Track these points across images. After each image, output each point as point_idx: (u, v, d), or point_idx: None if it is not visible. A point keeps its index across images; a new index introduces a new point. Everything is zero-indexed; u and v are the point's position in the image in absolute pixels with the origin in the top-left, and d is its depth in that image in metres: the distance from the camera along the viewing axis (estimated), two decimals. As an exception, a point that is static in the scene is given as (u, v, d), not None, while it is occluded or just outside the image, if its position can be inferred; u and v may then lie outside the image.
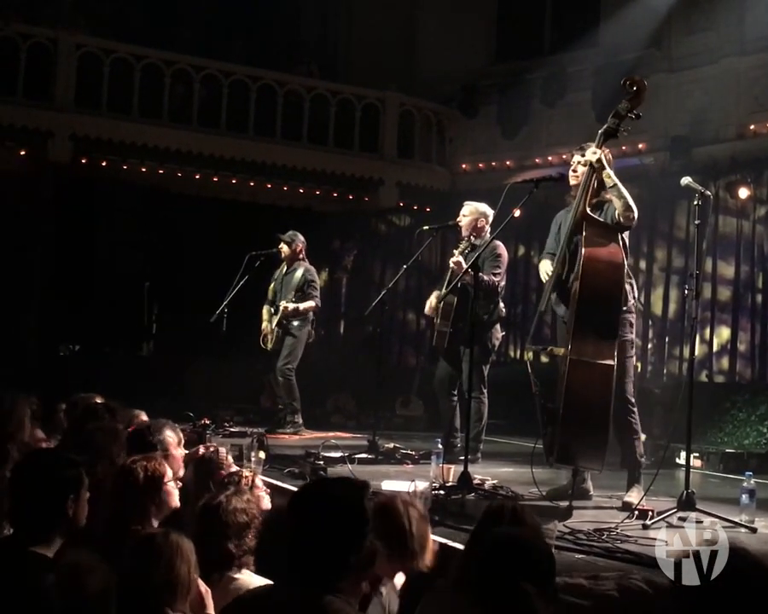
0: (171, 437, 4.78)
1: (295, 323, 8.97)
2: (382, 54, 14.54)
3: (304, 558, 2.48)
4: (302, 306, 8.94)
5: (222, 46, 14.46)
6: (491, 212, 7.25)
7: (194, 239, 13.29)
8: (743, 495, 4.87)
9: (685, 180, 5.33)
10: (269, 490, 4.48)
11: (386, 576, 3.56)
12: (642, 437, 5.78)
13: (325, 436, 8.40)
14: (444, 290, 7.20)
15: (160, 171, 13.36)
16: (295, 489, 3.61)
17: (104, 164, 13.06)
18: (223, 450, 4.90)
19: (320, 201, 14.52)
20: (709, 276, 10.24)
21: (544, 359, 7.77)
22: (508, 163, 13.72)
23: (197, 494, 4.07)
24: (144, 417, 5.67)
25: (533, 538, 2.72)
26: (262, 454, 5.87)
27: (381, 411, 8.95)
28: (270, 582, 3.02)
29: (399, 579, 3.61)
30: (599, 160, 5.44)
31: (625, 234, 5.52)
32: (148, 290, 14.01)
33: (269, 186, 14.04)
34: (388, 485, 5.52)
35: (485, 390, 7.20)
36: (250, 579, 3.45)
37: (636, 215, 5.42)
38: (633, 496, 5.28)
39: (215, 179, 13.73)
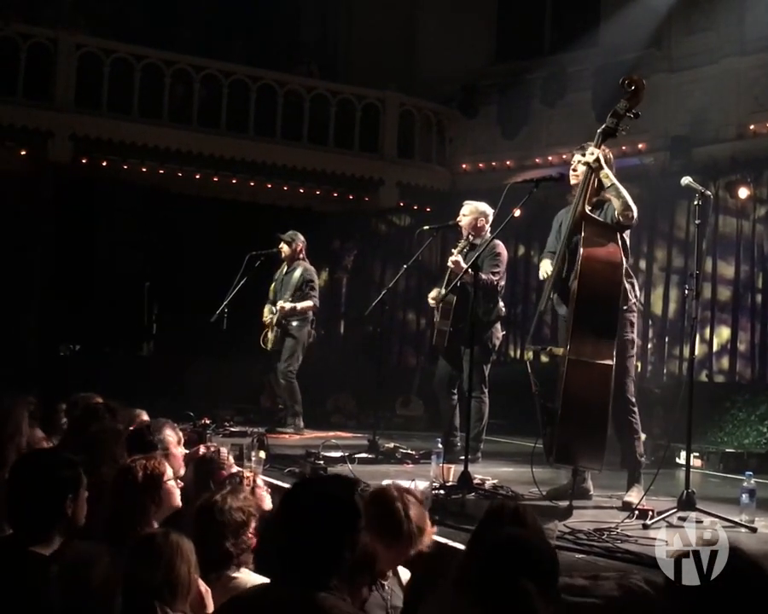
0: (171, 436, 4.78)
1: (294, 323, 8.97)
2: (382, 54, 14.54)
3: (298, 556, 2.49)
4: (300, 306, 8.94)
5: (222, 46, 14.46)
6: (491, 212, 7.25)
7: (195, 239, 13.28)
8: (743, 495, 4.87)
9: (685, 180, 5.32)
10: (269, 490, 4.48)
11: (386, 564, 3.55)
12: (643, 436, 5.78)
13: (325, 435, 8.41)
14: (444, 289, 7.20)
15: (161, 171, 13.37)
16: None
17: (104, 164, 13.07)
18: (224, 450, 4.90)
19: (320, 201, 14.52)
20: (709, 276, 10.24)
21: (544, 359, 7.77)
22: (508, 163, 13.73)
23: (197, 494, 4.07)
24: (145, 417, 5.67)
25: (535, 538, 2.72)
26: (262, 454, 5.87)
27: (381, 411, 8.95)
28: (268, 581, 3.02)
29: (405, 575, 3.61)
30: (597, 160, 5.45)
31: (626, 234, 5.52)
32: (149, 290, 14.00)
33: (269, 186, 14.05)
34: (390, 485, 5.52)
35: (485, 390, 7.20)
36: (248, 578, 3.46)
37: (635, 214, 5.42)
38: (633, 496, 5.28)
39: (215, 179, 13.73)
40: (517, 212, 5.99)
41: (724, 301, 10.43)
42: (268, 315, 9.11)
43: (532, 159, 13.43)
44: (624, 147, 11.16)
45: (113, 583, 2.72)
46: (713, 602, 2.09)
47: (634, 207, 5.41)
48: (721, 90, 11.58)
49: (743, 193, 10.09)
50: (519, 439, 8.63)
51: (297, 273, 9.07)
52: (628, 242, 5.56)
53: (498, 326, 7.27)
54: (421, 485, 4.86)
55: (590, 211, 5.50)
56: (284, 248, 9.15)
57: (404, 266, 7.90)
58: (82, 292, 13.03)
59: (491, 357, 7.30)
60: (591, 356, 5.24)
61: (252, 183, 13.96)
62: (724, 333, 10.43)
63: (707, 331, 10.35)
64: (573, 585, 3.23)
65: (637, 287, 5.65)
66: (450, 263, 7.10)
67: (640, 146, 12.04)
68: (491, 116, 14.00)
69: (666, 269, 10.92)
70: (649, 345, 10.91)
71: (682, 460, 6.83)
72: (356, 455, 6.86)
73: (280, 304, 8.95)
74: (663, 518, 4.71)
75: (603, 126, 5.54)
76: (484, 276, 6.70)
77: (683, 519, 4.64)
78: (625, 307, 5.43)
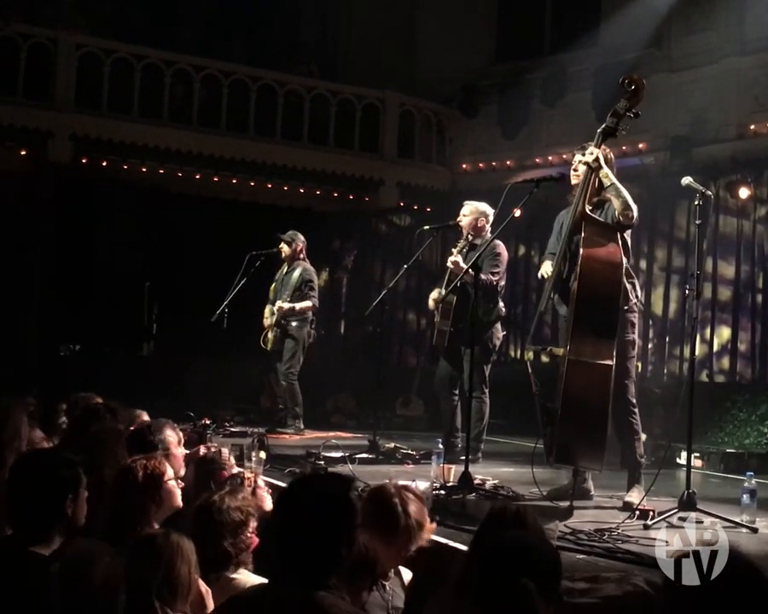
0: (172, 436, 4.77)
1: (294, 324, 8.97)
2: (382, 54, 14.54)
3: (295, 555, 2.49)
4: (298, 306, 8.94)
5: (222, 46, 14.46)
6: (491, 212, 7.25)
7: (195, 239, 13.28)
8: (744, 495, 4.87)
9: (686, 180, 5.32)
10: (270, 491, 4.48)
11: (387, 563, 3.55)
12: (643, 436, 5.77)
13: (326, 436, 8.41)
14: (444, 290, 7.19)
15: (161, 171, 13.37)
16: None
17: (104, 164, 13.07)
18: (225, 451, 4.89)
19: (320, 201, 14.51)
20: (709, 276, 10.23)
21: (544, 359, 7.77)
22: (508, 163, 13.73)
23: (198, 494, 4.06)
24: (146, 417, 5.66)
25: (538, 539, 2.72)
26: (263, 454, 5.87)
27: (382, 411, 8.95)
28: (266, 581, 3.02)
29: (407, 575, 3.61)
30: (596, 160, 5.44)
31: (627, 234, 5.51)
32: (149, 290, 13.99)
33: (269, 186, 14.05)
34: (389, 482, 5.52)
35: (486, 390, 7.20)
36: (247, 579, 3.45)
37: (635, 214, 5.41)
38: (634, 496, 5.27)
39: (215, 179, 13.73)
40: (517, 212, 5.99)
41: (724, 301, 10.42)
42: (268, 315, 9.11)
43: (533, 159, 13.43)
44: (624, 147, 11.16)
45: (115, 582, 2.71)
46: (711, 604, 2.08)
47: (634, 207, 5.41)
48: (721, 90, 11.57)
49: (744, 193, 10.08)
50: (519, 439, 8.62)
51: (296, 273, 9.06)
52: (629, 242, 5.56)
53: (499, 326, 7.27)
54: (421, 485, 4.87)
55: (590, 211, 5.50)
56: (284, 248, 9.15)
57: (405, 266, 7.90)
58: (82, 292, 13.02)
59: (491, 357, 7.29)
60: (591, 356, 5.23)
61: (252, 183, 13.96)
62: (725, 333, 10.42)
63: (708, 331, 10.34)
64: (573, 588, 3.23)
65: (638, 288, 5.64)
66: (449, 264, 7.10)
67: (640, 146, 12.04)
68: (491, 116, 14.00)
69: (667, 269, 10.91)
70: (650, 345, 10.90)
71: (682, 460, 6.83)
72: (356, 456, 6.86)
73: (278, 304, 8.96)
74: (664, 519, 4.71)
75: (603, 126, 5.54)
76: (483, 277, 6.70)
77: (683, 520, 4.63)
78: (626, 307, 5.42)
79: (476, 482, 5.62)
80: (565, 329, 5.51)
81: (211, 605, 3.25)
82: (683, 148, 11.41)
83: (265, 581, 3.10)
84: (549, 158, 13.19)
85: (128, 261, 13.65)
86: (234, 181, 13.85)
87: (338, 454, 6.80)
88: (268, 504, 4.19)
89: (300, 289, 9.01)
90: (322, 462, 6.33)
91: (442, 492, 5.34)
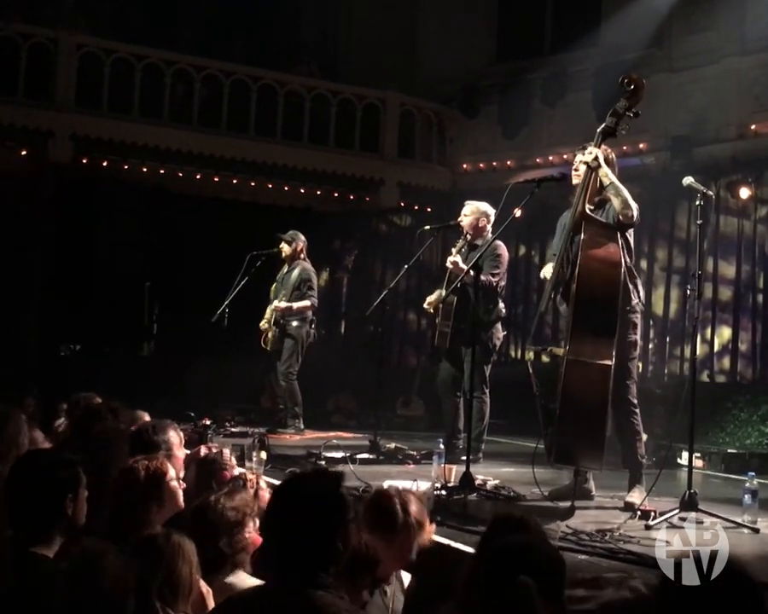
0: (175, 438, 4.76)
1: (294, 323, 8.95)
2: (382, 54, 14.54)
3: (291, 554, 2.49)
4: (296, 305, 8.93)
5: (222, 46, 14.46)
6: (492, 212, 7.24)
7: (195, 239, 13.27)
8: (746, 496, 4.86)
9: (687, 180, 5.31)
10: (271, 491, 4.47)
11: (388, 565, 3.55)
12: (644, 437, 5.77)
13: (326, 436, 8.40)
14: (444, 290, 7.19)
15: (161, 171, 13.37)
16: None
17: (105, 164, 13.07)
18: (226, 451, 4.89)
19: (321, 201, 14.51)
20: (710, 276, 10.22)
21: (545, 359, 7.75)
22: (508, 163, 13.73)
23: (199, 494, 4.06)
24: (147, 418, 5.65)
25: (542, 543, 2.71)
26: (263, 455, 5.87)
27: (382, 411, 8.93)
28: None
29: (407, 579, 3.61)
30: (595, 159, 5.43)
31: (629, 234, 5.50)
32: (149, 290, 13.99)
33: (269, 186, 14.05)
34: (390, 485, 5.51)
35: (486, 391, 7.18)
36: (243, 582, 3.45)
37: (635, 213, 5.39)
38: (635, 497, 5.27)
39: (216, 179, 13.73)
40: (518, 213, 5.98)
41: (725, 301, 10.42)
42: (268, 316, 9.10)
43: (533, 159, 13.43)
44: (625, 147, 11.15)
45: (125, 581, 2.71)
46: (699, 606, 2.07)
47: (634, 206, 5.39)
48: (722, 90, 11.58)
49: (744, 193, 10.08)
50: (520, 440, 8.62)
51: (295, 273, 9.06)
52: (631, 242, 5.55)
53: (499, 326, 7.25)
54: (423, 486, 4.87)
55: (592, 210, 5.49)
56: (285, 248, 9.14)
57: (406, 266, 7.90)
58: (82, 292, 13.02)
59: (491, 358, 7.28)
60: (590, 356, 5.22)
61: (252, 183, 13.96)
62: (725, 333, 10.42)
63: (708, 331, 10.34)
64: (572, 596, 3.22)
65: (641, 288, 5.62)
66: (448, 264, 7.09)
67: (641, 146, 12.04)
68: (491, 116, 14.00)
69: (667, 269, 10.90)
70: (650, 345, 10.90)
71: (683, 460, 6.82)
72: (357, 456, 6.85)
73: (275, 303, 8.96)
74: (665, 519, 4.70)
75: (603, 126, 5.53)
76: (483, 277, 6.68)
77: (685, 520, 4.63)
78: (628, 308, 5.41)
79: (477, 482, 5.61)
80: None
81: (212, 606, 3.24)
82: (684, 148, 11.41)
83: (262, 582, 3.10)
84: (550, 158, 13.19)
85: (128, 261, 13.65)
86: (234, 181, 13.86)
87: (339, 455, 6.79)
88: (270, 505, 4.19)
89: (299, 288, 9.00)
90: (323, 462, 6.32)
91: (443, 492, 5.33)
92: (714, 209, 10.09)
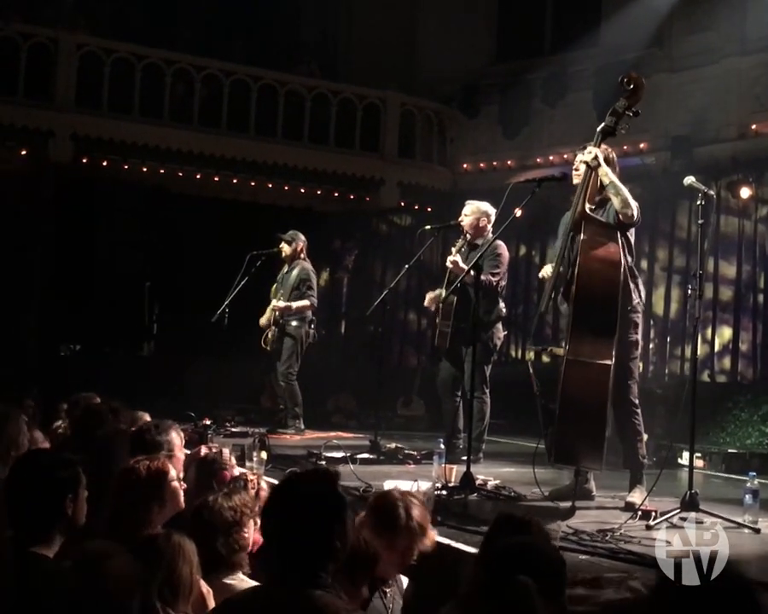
0: (176, 438, 4.76)
1: (294, 323, 8.94)
2: (383, 54, 14.54)
3: (290, 554, 2.49)
4: (294, 304, 8.92)
5: (222, 46, 14.45)
6: (493, 212, 7.23)
7: (195, 239, 13.27)
8: (747, 496, 4.86)
9: (688, 179, 5.29)
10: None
11: (389, 567, 3.55)
12: (645, 437, 5.76)
13: (326, 436, 8.39)
14: (444, 290, 7.18)
15: (161, 171, 13.37)
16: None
17: (105, 163, 13.07)
18: (226, 451, 4.88)
19: (321, 201, 14.51)
20: (711, 276, 10.21)
21: (545, 359, 7.75)
22: (509, 163, 13.74)
23: (199, 495, 4.06)
24: (147, 418, 5.65)
25: (543, 544, 2.71)
26: (264, 455, 5.86)
27: (383, 411, 8.94)
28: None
29: (405, 582, 3.60)
30: (594, 158, 5.42)
31: (630, 233, 5.49)
32: (149, 290, 13.99)
33: (270, 186, 14.05)
34: (390, 485, 5.50)
35: (486, 391, 7.18)
36: (240, 583, 3.44)
37: (635, 212, 5.38)
38: (636, 497, 5.26)
39: (216, 179, 13.73)
40: (519, 212, 5.98)
41: (725, 301, 10.41)
42: (268, 316, 9.10)
43: (533, 158, 13.43)
44: (625, 147, 11.16)
45: (130, 581, 2.71)
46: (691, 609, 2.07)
47: (634, 204, 5.38)
48: (722, 90, 11.58)
49: (745, 193, 10.07)
50: (520, 440, 8.62)
51: (294, 272, 9.06)
52: (632, 241, 5.54)
53: (500, 326, 7.25)
54: (423, 486, 4.86)
55: (593, 210, 5.49)
56: (285, 248, 9.14)
57: (406, 266, 7.90)
58: (82, 291, 13.02)
59: (492, 357, 7.27)
60: (590, 356, 5.22)
61: (252, 183, 13.96)
62: (726, 333, 10.41)
63: (709, 331, 10.33)
64: (572, 595, 3.22)
65: (642, 288, 5.61)
66: (448, 264, 7.08)
67: (641, 146, 12.04)
68: (492, 116, 14.01)
69: (668, 268, 10.90)
70: (651, 345, 10.89)
71: (684, 460, 6.82)
72: (357, 456, 6.85)
73: (273, 302, 8.96)
74: (666, 519, 4.69)
75: (602, 125, 5.52)
76: (483, 277, 6.67)
77: (686, 520, 4.62)
78: (629, 308, 5.41)
79: (478, 482, 5.60)
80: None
81: (212, 606, 3.24)
82: (684, 148, 11.41)
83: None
84: (551, 158, 13.19)
85: (128, 261, 13.65)
86: (234, 180, 13.86)
87: (339, 455, 6.79)
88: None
89: (298, 288, 8.99)
90: (324, 462, 6.32)
91: (444, 492, 5.32)
92: (715, 209, 10.08)
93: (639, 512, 4.82)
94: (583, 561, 3.97)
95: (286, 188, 14.11)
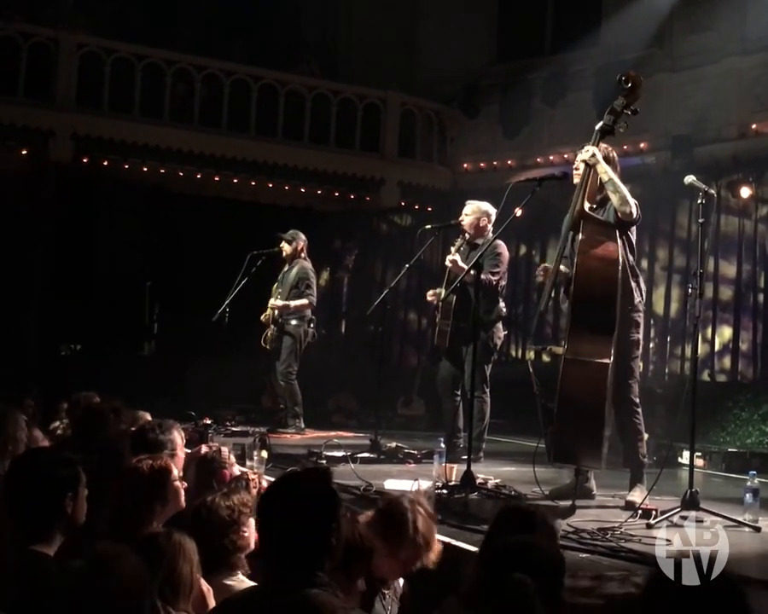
0: (178, 437, 4.76)
1: (293, 322, 8.94)
2: (383, 54, 14.54)
3: (287, 554, 2.49)
4: (293, 303, 8.92)
5: (222, 46, 14.45)
6: (493, 211, 7.23)
7: (196, 238, 13.28)
8: (747, 494, 4.86)
9: (689, 178, 5.29)
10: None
11: (389, 575, 3.56)
12: (645, 436, 5.76)
13: (327, 435, 8.39)
14: (444, 289, 7.18)
15: (161, 171, 13.37)
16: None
17: (105, 163, 13.07)
18: (225, 449, 4.89)
19: (321, 201, 14.51)
20: (711, 276, 10.21)
21: (545, 358, 7.75)
22: (509, 162, 13.74)
23: (199, 494, 4.06)
24: (148, 418, 5.65)
25: (542, 542, 2.71)
26: (264, 454, 5.86)
27: (383, 410, 8.94)
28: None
29: (401, 584, 3.61)
30: (593, 156, 5.42)
31: (631, 232, 5.49)
32: (149, 290, 14.00)
33: (270, 185, 14.05)
34: (391, 484, 5.52)
35: (486, 390, 7.18)
36: (242, 583, 3.44)
37: (634, 210, 5.37)
38: (636, 496, 5.26)
39: (216, 179, 13.73)
40: (519, 212, 5.97)
41: (725, 300, 10.41)
42: (269, 312, 9.10)
43: (534, 158, 13.44)
44: (625, 147, 11.16)
45: (140, 583, 2.71)
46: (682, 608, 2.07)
47: (632, 202, 5.38)
48: (723, 90, 11.57)
49: (745, 192, 10.06)
50: (521, 439, 8.62)
51: (294, 271, 9.06)
52: (633, 240, 5.54)
53: (500, 325, 7.25)
54: (424, 485, 4.86)
55: (594, 209, 5.49)
56: (285, 247, 9.14)
57: (407, 265, 7.90)
58: (83, 291, 13.02)
59: (492, 357, 7.27)
60: (588, 355, 5.22)
61: (253, 183, 13.96)
62: (726, 332, 10.41)
63: (709, 330, 10.33)
64: (576, 587, 3.23)
65: (643, 287, 5.61)
66: (447, 262, 7.08)
67: (642, 145, 12.04)
68: (492, 116, 14.00)
69: (668, 268, 10.89)
70: (651, 345, 10.89)
71: (684, 459, 6.82)
72: (358, 455, 6.85)
73: (271, 301, 8.96)
74: (667, 518, 4.69)
75: (601, 124, 5.52)
76: (483, 276, 6.67)
77: (686, 519, 4.62)
78: (630, 307, 5.40)
79: (478, 481, 5.60)
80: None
81: (212, 605, 3.24)
82: (685, 148, 11.41)
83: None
84: (551, 157, 13.19)
85: (129, 261, 13.65)
86: (235, 180, 13.86)
87: (339, 454, 6.79)
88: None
89: (297, 287, 8.99)
90: (324, 461, 6.32)
91: (444, 491, 5.33)
92: (715, 208, 10.07)
93: (639, 511, 4.82)
94: (583, 560, 3.97)
95: (286, 187, 14.11)
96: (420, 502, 3.68)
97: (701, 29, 12.01)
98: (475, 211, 7.27)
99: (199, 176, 13.64)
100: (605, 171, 5.41)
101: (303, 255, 9.19)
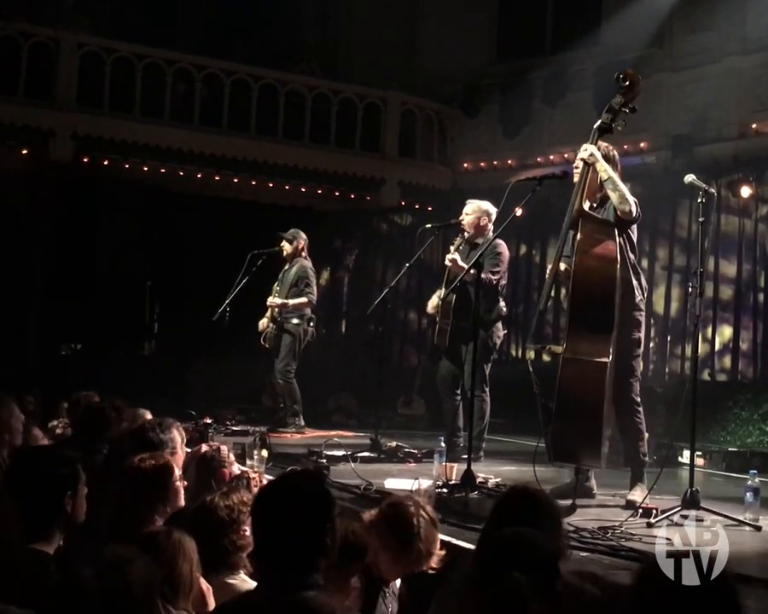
0: (178, 436, 4.76)
1: (294, 321, 8.93)
2: (383, 53, 14.54)
3: (280, 556, 2.48)
4: (292, 302, 8.92)
5: (222, 46, 14.45)
6: (493, 211, 7.23)
7: (196, 238, 13.29)
8: (748, 493, 4.86)
9: (689, 177, 5.29)
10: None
11: (390, 576, 3.55)
12: (646, 435, 5.76)
13: (327, 434, 8.39)
14: (443, 289, 7.18)
15: (162, 170, 13.36)
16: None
17: (105, 163, 13.07)
18: (224, 448, 4.89)
19: (322, 200, 14.51)
20: (711, 275, 10.21)
21: (545, 358, 7.75)
22: (509, 162, 13.74)
23: (198, 492, 4.06)
24: (149, 416, 5.65)
25: (536, 536, 2.71)
26: (265, 453, 5.86)
27: (383, 410, 8.94)
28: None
29: (398, 584, 3.60)
30: (591, 155, 5.42)
31: (632, 230, 5.49)
32: (150, 289, 14.00)
33: (270, 185, 14.05)
34: (391, 484, 5.52)
35: (486, 389, 7.18)
36: (243, 583, 3.44)
37: (633, 208, 5.36)
38: (637, 495, 5.26)
39: (217, 178, 13.73)
40: (519, 211, 5.97)
41: (726, 300, 10.41)
42: (268, 315, 9.10)
43: (534, 158, 13.44)
44: (626, 146, 11.15)
45: (151, 586, 2.71)
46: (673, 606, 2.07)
47: (632, 200, 5.37)
48: (723, 89, 11.57)
49: (745, 192, 10.06)
50: (521, 438, 8.62)
51: (293, 270, 9.07)
52: (634, 238, 5.53)
53: (499, 325, 7.25)
54: (424, 484, 4.86)
55: (594, 208, 5.49)
56: (286, 246, 9.14)
57: (407, 265, 7.90)
58: (83, 291, 13.03)
59: (491, 356, 7.27)
60: (587, 354, 5.21)
61: (253, 182, 13.95)
62: (726, 331, 10.41)
63: (709, 330, 10.33)
64: (584, 573, 3.21)
65: (644, 285, 5.60)
66: (447, 262, 7.08)
67: (642, 145, 12.04)
68: (492, 115, 14.00)
69: (668, 267, 10.89)
70: (651, 344, 10.89)
71: (684, 459, 6.82)
72: (358, 454, 6.85)
73: (270, 299, 8.96)
74: (667, 517, 4.69)
75: (599, 122, 5.51)
76: (483, 276, 6.67)
77: (687, 518, 4.62)
78: (632, 306, 5.40)
79: (478, 480, 5.60)
80: (567, 327, 5.50)
81: (212, 604, 3.24)
82: (685, 147, 11.40)
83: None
84: (551, 157, 13.19)
85: (129, 260, 13.66)
86: (235, 180, 13.85)
87: (340, 453, 6.79)
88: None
89: (296, 285, 8.99)
90: (324, 461, 6.32)
91: (444, 490, 5.33)
92: (715, 207, 10.06)
93: (640, 510, 4.83)
94: (583, 559, 3.97)
95: (287, 187, 14.11)
96: (424, 506, 3.67)
97: (701, 29, 12.01)
98: (476, 210, 7.27)
99: (199, 176, 13.64)
100: (604, 170, 5.40)
101: (303, 254, 9.19)
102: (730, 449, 8.41)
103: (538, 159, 13.36)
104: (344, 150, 14.00)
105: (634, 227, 5.52)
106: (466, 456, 5.73)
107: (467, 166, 14.49)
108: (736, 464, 7.86)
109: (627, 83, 5.45)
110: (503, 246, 7.19)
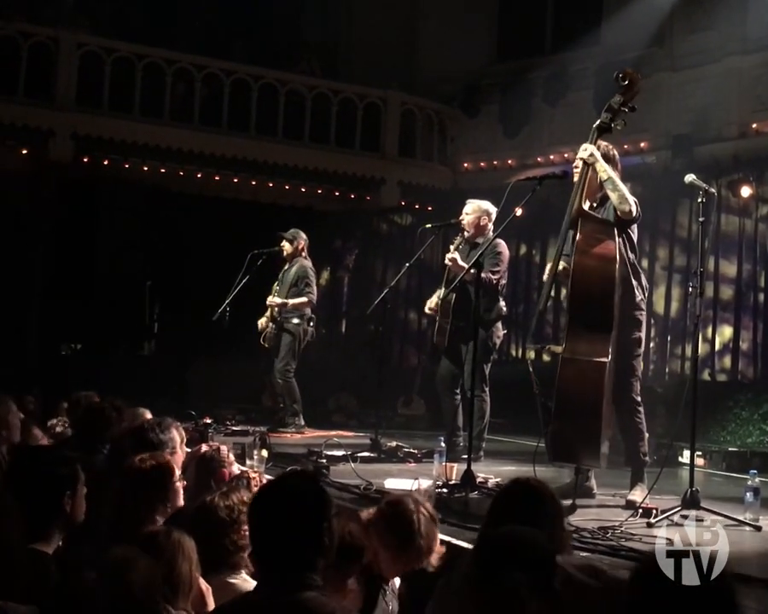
0: (177, 436, 4.76)
1: (294, 320, 8.93)
2: (383, 53, 14.54)
3: (279, 556, 2.48)
4: (291, 301, 8.92)
5: (222, 46, 14.45)
6: (494, 210, 7.22)
7: (196, 238, 13.29)
8: (748, 493, 4.86)
9: (689, 177, 5.29)
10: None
11: (389, 574, 3.55)
12: (647, 435, 5.75)
13: (327, 434, 8.38)
14: (443, 288, 7.18)
15: (162, 170, 13.36)
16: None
17: (105, 163, 13.07)
18: (224, 448, 4.88)
19: (322, 200, 14.51)
20: (711, 275, 10.21)
21: (545, 358, 7.75)
22: (509, 162, 13.74)
23: (198, 492, 4.05)
24: (149, 415, 5.65)
25: (535, 535, 2.70)
26: (265, 453, 5.86)
27: (383, 410, 8.94)
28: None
29: (397, 582, 3.60)
30: (591, 155, 5.41)
31: (632, 230, 5.48)
32: (150, 289, 14.00)
33: (270, 185, 14.05)
34: (391, 483, 5.51)
35: (486, 389, 7.18)
36: (244, 583, 3.44)
37: (633, 208, 5.36)
38: (637, 495, 5.26)
39: (216, 178, 13.73)
40: (519, 211, 5.97)
41: (726, 300, 10.41)
42: (268, 315, 9.10)
43: (534, 158, 13.43)
44: (626, 146, 11.15)
45: (155, 587, 2.71)
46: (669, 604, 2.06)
47: (631, 200, 5.37)
48: (723, 89, 11.57)
49: (746, 192, 10.05)
50: (521, 438, 8.62)
51: (293, 270, 9.06)
52: (635, 238, 5.52)
53: (499, 325, 7.25)
54: (424, 484, 4.86)
55: (594, 208, 5.48)
56: (286, 246, 9.14)
57: (407, 264, 7.90)
58: (83, 291, 13.03)
59: (491, 356, 7.27)
60: (586, 353, 5.21)
61: (253, 182, 13.95)
62: (726, 331, 10.40)
63: (710, 330, 10.33)
64: (588, 566, 3.21)
65: (645, 285, 5.60)
66: (447, 261, 7.08)
67: (642, 145, 12.04)
68: (492, 115, 14.00)
69: (668, 267, 10.89)
70: (651, 344, 10.88)
71: (684, 459, 6.81)
72: (358, 454, 6.85)
73: (269, 299, 8.96)
74: (667, 517, 4.69)
75: (598, 122, 5.51)
76: (483, 275, 6.67)
77: (687, 518, 4.62)
78: (632, 306, 5.40)
79: (478, 480, 5.60)
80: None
81: (211, 603, 3.24)
82: (685, 147, 11.40)
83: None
84: (551, 157, 13.19)
85: (129, 260, 13.66)
86: (235, 180, 13.85)
87: (340, 453, 6.79)
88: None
89: (296, 285, 8.99)
90: (324, 460, 6.32)
91: (444, 490, 5.33)
92: (716, 207, 10.06)
93: (640, 510, 4.82)
94: (583, 559, 3.96)
95: (287, 187, 14.11)
96: (424, 504, 3.67)
97: (701, 29, 12.00)
98: (476, 210, 7.27)
99: (199, 176, 13.64)
100: (604, 169, 5.40)
101: (303, 254, 9.19)
102: (730, 449, 8.41)
103: (538, 159, 13.35)
104: (344, 150, 14.00)
105: (634, 227, 5.51)
106: (466, 456, 5.73)
107: (467, 166, 14.48)
108: (736, 464, 7.86)
109: (626, 82, 5.45)
110: (503, 246, 7.19)
